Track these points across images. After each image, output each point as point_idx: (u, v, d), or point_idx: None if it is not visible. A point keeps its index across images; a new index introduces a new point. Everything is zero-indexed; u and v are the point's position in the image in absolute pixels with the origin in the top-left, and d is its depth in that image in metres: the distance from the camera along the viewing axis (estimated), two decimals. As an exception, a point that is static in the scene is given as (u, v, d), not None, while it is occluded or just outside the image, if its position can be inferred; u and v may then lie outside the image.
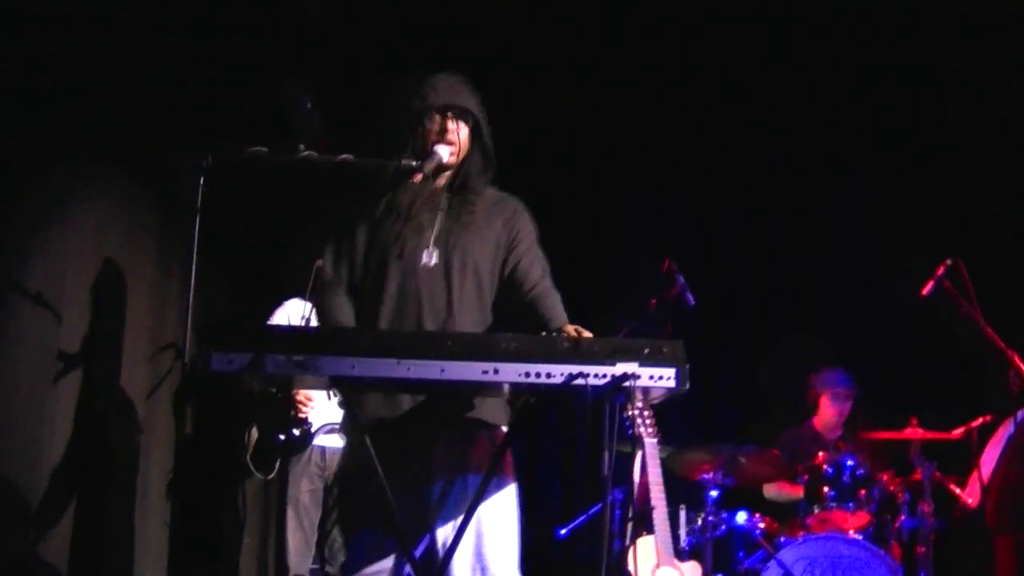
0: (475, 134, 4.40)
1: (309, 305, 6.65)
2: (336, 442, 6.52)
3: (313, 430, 6.45)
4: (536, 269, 4.37)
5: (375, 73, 7.12)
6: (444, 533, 4.10)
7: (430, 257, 4.26)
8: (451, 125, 4.31)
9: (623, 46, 8.02)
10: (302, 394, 6.33)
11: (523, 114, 7.10)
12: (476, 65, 4.51)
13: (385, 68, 7.14)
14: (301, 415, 6.39)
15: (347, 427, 4.52)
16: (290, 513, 6.54)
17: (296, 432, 6.38)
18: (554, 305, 4.29)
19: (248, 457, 6.51)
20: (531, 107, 7.72)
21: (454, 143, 4.33)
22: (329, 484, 6.63)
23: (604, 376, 3.63)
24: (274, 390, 6.14)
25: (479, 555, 4.11)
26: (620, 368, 3.63)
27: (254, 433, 6.53)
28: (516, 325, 4.13)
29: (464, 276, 4.27)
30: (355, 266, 4.34)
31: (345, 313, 4.31)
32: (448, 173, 4.39)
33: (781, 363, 8.30)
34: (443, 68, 4.41)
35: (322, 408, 6.42)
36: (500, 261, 4.36)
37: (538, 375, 3.61)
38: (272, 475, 6.52)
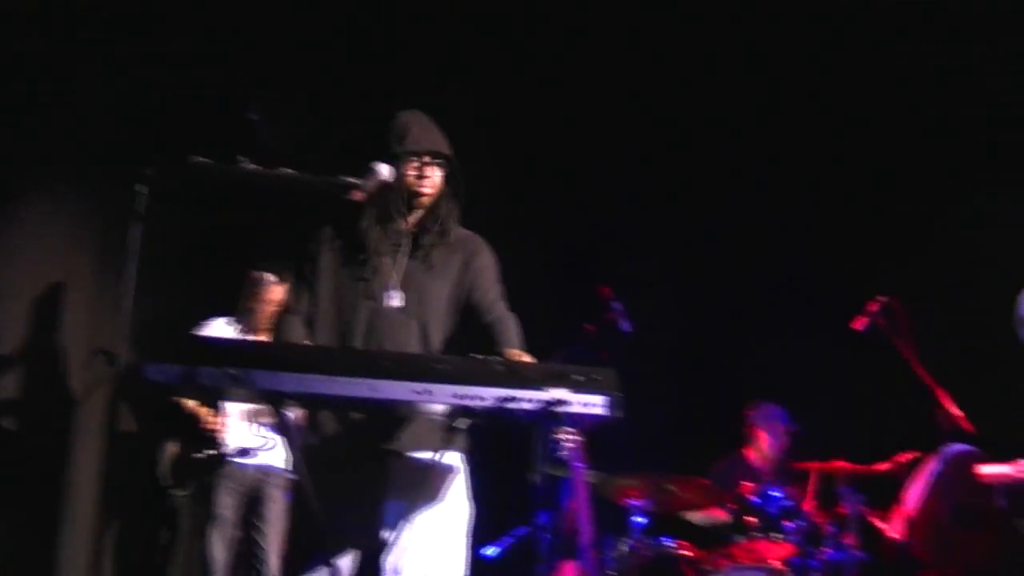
0: (448, 177, 4.46)
1: (235, 324, 6.79)
2: (254, 460, 6.63)
3: (227, 450, 6.56)
4: (491, 298, 4.45)
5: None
6: (389, 556, 4.14)
7: (394, 299, 4.33)
8: (428, 172, 4.39)
9: (570, 68, 8.09)
10: (212, 419, 6.46)
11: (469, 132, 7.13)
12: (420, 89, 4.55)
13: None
14: (215, 436, 6.51)
15: (298, 446, 4.52)
16: (212, 528, 6.62)
17: (212, 451, 6.49)
18: (506, 331, 4.35)
19: (163, 472, 6.58)
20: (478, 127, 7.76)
21: (432, 188, 4.41)
22: (250, 498, 6.75)
23: (536, 401, 3.64)
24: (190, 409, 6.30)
25: None
26: (552, 394, 3.64)
27: (168, 448, 6.60)
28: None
29: (426, 317, 4.34)
30: (317, 298, 4.39)
31: (299, 340, 4.33)
32: (419, 213, 4.44)
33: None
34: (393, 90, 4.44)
35: (236, 428, 6.53)
36: (459, 300, 4.43)
37: (470, 397, 3.63)
38: (189, 492, 6.62)
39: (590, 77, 8.14)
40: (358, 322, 4.30)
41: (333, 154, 4.56)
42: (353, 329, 4.29)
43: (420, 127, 4.44)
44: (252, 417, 6.60)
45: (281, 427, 3.77)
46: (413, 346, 4.29)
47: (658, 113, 8.33)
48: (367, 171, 4.27)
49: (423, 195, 4.40)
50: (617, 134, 8.38)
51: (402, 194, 4.38)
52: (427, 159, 4.40)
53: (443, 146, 4.44)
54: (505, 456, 4.71)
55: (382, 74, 7.65)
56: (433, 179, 4.41)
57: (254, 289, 6.93)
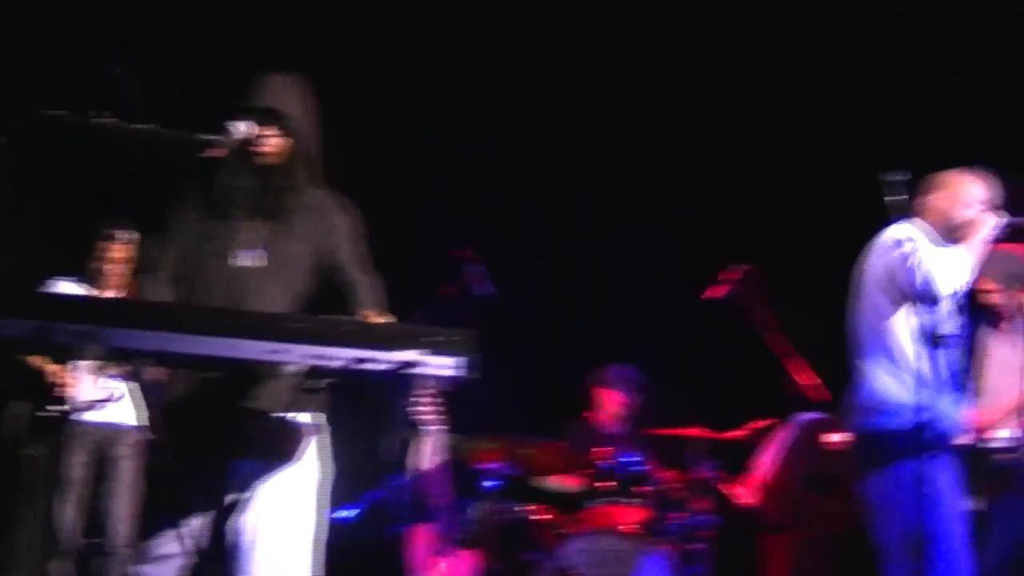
0: (296, 138, 4.40)
1: (82, 284, 6.70)
2: (103, 417, 6.55)
3: (73, 406, 6.45)
4: (351, 259, 4.43)
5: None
6: (242, 518, 4.15)
7: (252, 259, 4.29)
8: (263, 131, 4.31)
9: (421, 26, 8.12)
10: (60, 374, 6.33)
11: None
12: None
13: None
14: (62, 393, 6.39)
15: (155, 405, 4.48)
16: (61, 490, 6.52)
17: (60, 408, 6.38)
18: (364, 292, 4.35)
19: (10, 431, 6.47)
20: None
21: (268, 148, 4.34)
22: (100, 457, 6.68)
23: (389, 362, 3.63)
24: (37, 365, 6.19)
25: (271, 541, 4.17)
26: (406, 355, 3.64)
27: (12, 407, 6.49)
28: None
29: (287, 278, 4.32)
30: (181, 257, 4.33)
31: (160, 298, 4.28)
32: (271, 174, 4.37)
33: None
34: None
35: (84, 383, 6.43)
36: (320, 261, 4.40)
37: (323, 357, 3.60)
38: (39, 452, 6.51)
39: (442, 37, 8.15)
40: (218, 281, 4.26)
41: (195, 111, 4.47)
42: (213, 288, 4.25)
43: (263, 87, 4.38)
44: (97, 368, 6.50)
45: (138, 385, 3.73)
46: (273, 306, 4.25)
47: (520, 76, 8.36)
48: (224, 129, 4.23)
49: (261, 155, 4.33)
50: (481, 96, 8.39)
51: (247, 153, 4.32)
52: (260, 119, 4.32)
53: (279, 106, 4.36)
54: (359, 418, 4.71)
55: (245, 33, 7.58)
56: (269, 139, 4.33)
57: (105, 247, 6.82)
